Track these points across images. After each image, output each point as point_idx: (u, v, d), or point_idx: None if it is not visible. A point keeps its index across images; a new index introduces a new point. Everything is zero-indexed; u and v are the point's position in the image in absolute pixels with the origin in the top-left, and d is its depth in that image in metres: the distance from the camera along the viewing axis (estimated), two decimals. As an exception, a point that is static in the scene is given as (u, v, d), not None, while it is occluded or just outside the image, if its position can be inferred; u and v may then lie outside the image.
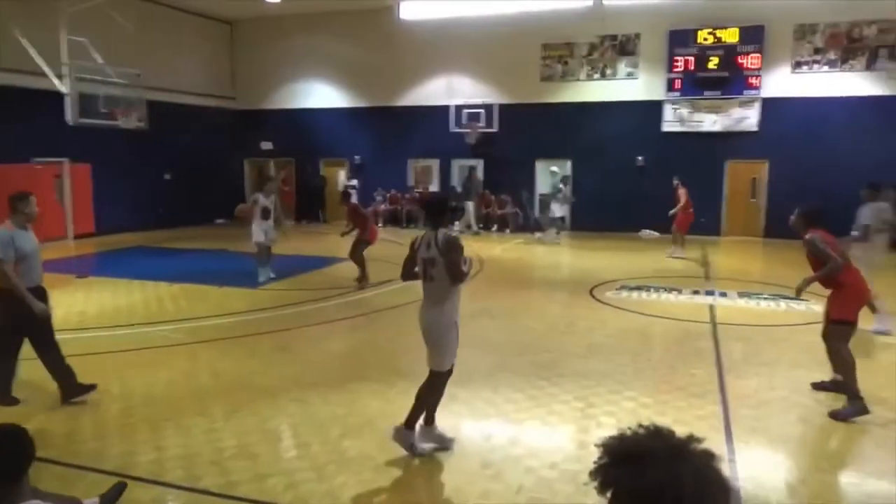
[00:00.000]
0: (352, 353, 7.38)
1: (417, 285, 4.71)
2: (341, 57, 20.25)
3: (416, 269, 4.63)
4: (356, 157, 20.61)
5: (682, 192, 13.98)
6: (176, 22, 19.34)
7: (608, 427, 4.98)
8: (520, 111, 18.60)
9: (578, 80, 18.37)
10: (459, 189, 18.81)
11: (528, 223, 18.53)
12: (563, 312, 9.09)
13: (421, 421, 4.67)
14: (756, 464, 4.57)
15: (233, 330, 8.04)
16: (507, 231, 18.32)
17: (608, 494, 1.14)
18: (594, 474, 1.17)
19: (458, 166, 19.91)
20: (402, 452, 4.68)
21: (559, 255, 15.41)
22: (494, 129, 18.73)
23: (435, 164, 20.21)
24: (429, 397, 4.64)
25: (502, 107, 18.70)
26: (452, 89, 19.29)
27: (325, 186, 21.15)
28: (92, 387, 5.56)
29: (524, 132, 18.56)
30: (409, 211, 19.85)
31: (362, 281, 10.60)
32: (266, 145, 21.61)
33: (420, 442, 4.62)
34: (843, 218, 16.73)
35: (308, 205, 21.19)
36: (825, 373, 6.40)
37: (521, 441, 4.85)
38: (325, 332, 8.25)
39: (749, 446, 4.79)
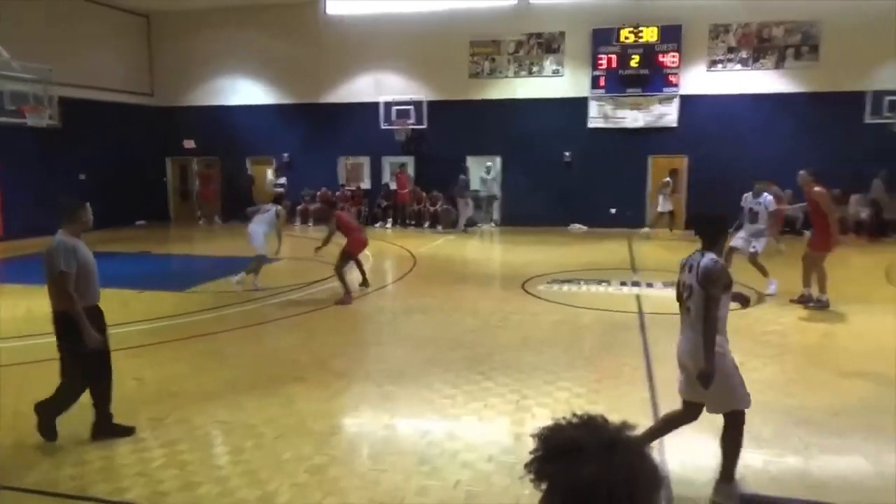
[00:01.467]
0: (286, 355, 7.24)
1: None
2: (266, 53, 19.79)
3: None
4: (284, 154, 20.21)
5: (777, 192, 14.46)
6: (88, 15, 18.41)
7: (543, 418, 5.07)
8: (449, 108, 18.68)
9: (506, 77, 18.59)
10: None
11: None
12: (496, 307, 9.19)
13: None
14: (683, 447, 4.75)
15: (158, 335, 7.74)
16: (440, 227, 18.37)
17: (543, 487, 1.15)
18: (529, 467, 1.17)
19: (389, 163, 19.85)
20: (340, 453, 4.64)
21: (490, 251, 15.58)
22: (424, 126, 18.76)
23: (366, 161, 20.06)
24: (732, 445, 3.94)
25: (431, 104, 18.72)
26: (381, 86, 19.18)
27: (254, 185, 20.66)
28: (131, 429, 4.96)
29: (454, 129, 18.66)
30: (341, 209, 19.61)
31: (346, 298, 9.28)
32: (189, 143, 20.91)
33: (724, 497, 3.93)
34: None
35: (236, 204, 20.63)
36: (744, 355, 6.75)
37: (458, 436, 4.88)
38: (255, 334, 8.06)
39: (676, 431, 4.97)
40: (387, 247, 15.44)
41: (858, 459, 4.49)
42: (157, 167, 21.30)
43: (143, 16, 20.52)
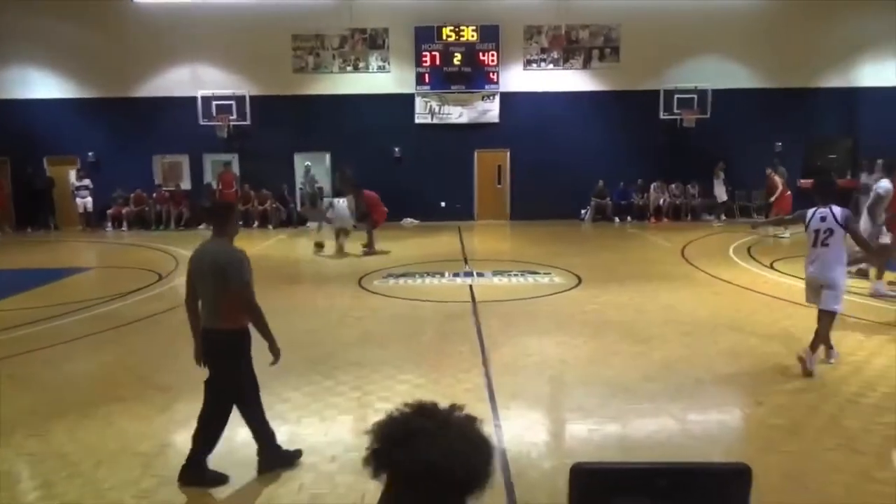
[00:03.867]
0: (101, 373, 6.59)
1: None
2: (64, 42, 17.81)
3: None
4: (89, 153, 18.38)
5: (777, 179, 14.93)
6: None
7: (384, 412, 5.09)
8: (274, 103, 18.09)
9: (332, 72, 18.36)
10: (317, 187, 17.74)
11: (291, 218, 18.19)
12: (334, 304, 9.08)
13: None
14: (517, 424, 5.01)
15: (-59, 363, 6.71)
16: (270, 227, 17.77)
17: (383, 477, 1.19)
18: (367, 460, 1.20)
19: (211, 161, 18.80)
20: (171, 473, 4.31)
21: (324, 248, 15.33)
22: (248, 122, 18.02)
23: (185, 159, 18.83)
24: (826, 332, 5.81)
25: (255, 98, 18.02)
26: (199, 79, 18.10)
27: (53, 188, 18.56)
28: (297, 453, 4.44)
29: (280, 125, 18.10)
30: (158, 212, 18.27)
31: (369, 247, 13.09)
32: (-30, 142, 18.31)
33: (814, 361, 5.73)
34: (570, 198, 18.89)
35: (32, 210, 18.42)
36: (567, 334, 7.25)
37: (299, 439, 4.75)
38: (65, 352, 7.25)
39: (510, 410, 5.24)
40: (213, 249, 14.61)
41: (667, 420, 5.01)
42: (-69, 170, 18.46)
43: None
